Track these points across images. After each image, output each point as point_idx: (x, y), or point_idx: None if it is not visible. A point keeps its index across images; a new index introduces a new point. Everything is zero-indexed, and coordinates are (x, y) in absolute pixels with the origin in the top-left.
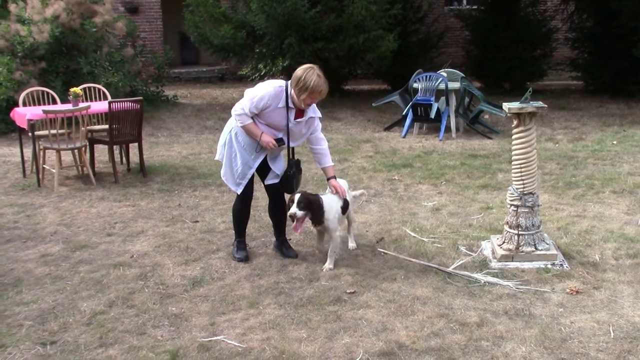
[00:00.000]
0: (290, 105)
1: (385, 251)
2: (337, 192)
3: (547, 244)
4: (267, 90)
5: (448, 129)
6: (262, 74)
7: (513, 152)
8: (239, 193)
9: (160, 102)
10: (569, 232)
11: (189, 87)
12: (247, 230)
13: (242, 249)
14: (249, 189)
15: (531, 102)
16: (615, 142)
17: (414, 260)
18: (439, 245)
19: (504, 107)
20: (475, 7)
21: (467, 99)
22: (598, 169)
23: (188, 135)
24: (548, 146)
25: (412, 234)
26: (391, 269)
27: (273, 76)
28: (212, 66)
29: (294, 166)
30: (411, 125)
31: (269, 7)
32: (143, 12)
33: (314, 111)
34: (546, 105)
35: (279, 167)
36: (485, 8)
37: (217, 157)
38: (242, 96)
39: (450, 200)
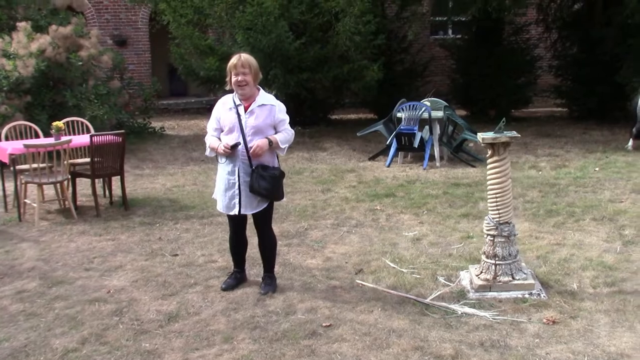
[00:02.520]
0: (237, 102)
1: (364, 283)
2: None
3: (525, 273)
4: (218, 102)
5: (432, 157)
6: None
7: (488, 182)
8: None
9: (147, 134)
10: (548, 261)
11: (177, 119)
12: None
13: (230, 277)
14: (238, 215)
15: (505, 132)
16: (597, 169)
17: (392, 291)
18: (418, 276)
19: (478, 137)
20: (459, 36)
21: (450, 128)
22: (579, 196)
23: (173, 167)
24: (531, 174)
25: (392, 264)
26: (369, 301)
27: None
28: (201, 97)
29: (279, 170)
30: (395, 155)
31: (254, 39)
32: (131, 44)
33: (265, 99)
34: (519, 135)
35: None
36: (470, 37)
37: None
38: None
39: (431, 230)
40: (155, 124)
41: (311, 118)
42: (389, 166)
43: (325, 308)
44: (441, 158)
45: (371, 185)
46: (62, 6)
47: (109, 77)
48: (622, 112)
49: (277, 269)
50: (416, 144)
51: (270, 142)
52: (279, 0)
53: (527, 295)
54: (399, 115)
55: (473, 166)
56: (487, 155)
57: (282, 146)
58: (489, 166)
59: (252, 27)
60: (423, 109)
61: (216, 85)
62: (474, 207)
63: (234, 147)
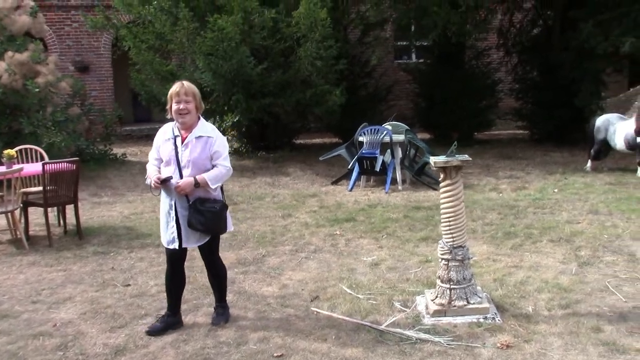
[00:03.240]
0: (176, 133)
1: (319, 310)
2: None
3: (480, 297)
4: (159, 131)
5: (394, 181)
6: None
7: (441, 206)
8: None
9: (108, 161)
10: (505, 284)
11: (140, 145)
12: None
13: (159, 319)
14: (178, 249)
15: (457, 155)
16: (556, 190)
17: (347, 318)
18: (374, 302)
19: (430, 162)
20: (422, 60)
21: (412, 151)
22: (538, 217)
23: (133, 194)
24: (491, 196)
25: (349, 290)
26: (323, 329)
27: (223, 132)
28: (165, 122)
29: (220, 204)
30: (358, 179)
31: (216, 64)
32: (94, 70)
33: (203, 130)
34: (471, 159)
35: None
36: (432, 61)
37: None
38: None
39: (390, 254)
40: (118, 150)
41: (275, 143)
42: (351, 190)
43: (278, 337)
44: (403, 181)
45: (332, 210)
46: (19, 32)
47: (68, 104)
48: (581, 134)
49: (230, 297)
50: (378, 167)
51: (196, 182)
52: (240, 26)
53: (482, 320)
54: (360, 139)
55: (435, 189)
56: (440, 179)
57: (213, 185)
58: (442, 190)
59: (213, 53)
60: (384, 133)
61: None
62: (433, 230)
63: (165, 181)
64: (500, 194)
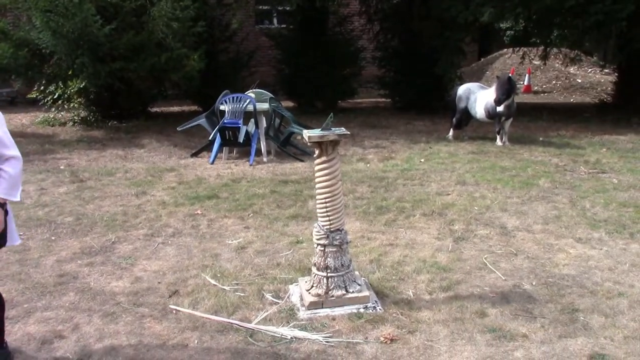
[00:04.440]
0: None
1: (179, 308)
2: None
3: (359, 284)
4: None
5: (259, 152)
6: (55, 97)
7: (317, 186)
8: None
9: None
10: (382, 265)
11: None
12: None
13: None
14: None
15: (333, 129)
16: (422, 160)
17: (212, 317)
18: (242, 294)
19: (304, 136)
20: (284, 26)
21: (277, 121)
22: (408, 189)
23: None
24: (360, 167)
25: (212, 281)
26: (183, 332)
27: (68, 99)
28: (1, 89)
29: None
30: (220, 150)
31: (56, 22)
32: None
33: None
34: (349, 132)
35: None
36: (295, 27)
37: None
38: (33, 121)
39: (257, 236)
40: None
41: (129, 111)
42: (212, 163)
43: (129, 347)
44: (268, 153)
45: (192, 186)
46: None
47: None
48: (441, 102)
49: (72, 297)
50: (241, 138)
51: None
52: None
53: (362, 310)
54: (222, 107)
55: (302, 160)
56: (315, 156)
57: (13, 197)
58: (316, 167)
59: (52, 9)
60: (247, 101)
61: (12, 75)
62: (303, 206)
63: None
64: (368, 165)
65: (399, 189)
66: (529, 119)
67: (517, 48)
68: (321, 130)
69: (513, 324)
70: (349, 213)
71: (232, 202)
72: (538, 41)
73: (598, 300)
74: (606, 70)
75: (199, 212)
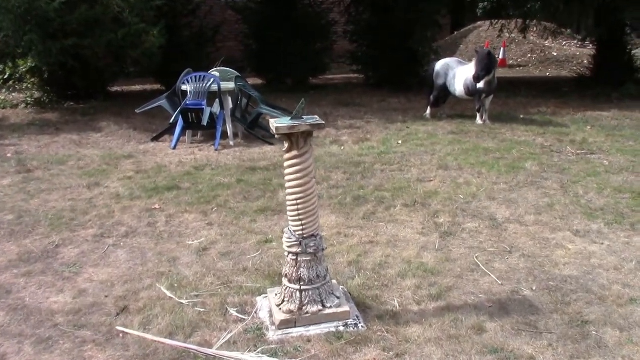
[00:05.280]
0: None
1: (127, 330)
2: None
3: (338, 296)
4: None
5: (225, 135)
6: (5, 77)
7: (286, 185)
8: None
9: None
10: (362, 268)
11: None
12: None
13: None
14: None
15: (305, 118)
16: (400, 142)
17: (165, 341)
18: (203, 309)
19: (271, 127)
20: None
21: (244, 101)
22: (387, 176)
23: None
24: (333, 150)
25: (169, 293)
26: None
27: (20, 79)
28: None
29: None
30: (182, 134)
31: None
32: None
33: None
34: (324, 122)
35: None
36: (263, 0)
37: None
38: None
39: (221, 234)
40: None
41: (86, 91)
42: (174, 148)
43: None
44: (235, 135)
45: (151, 176)
46: None
47: None
48: (416, 78)
49: (2, 319)
50: (205, 121)
51: None
52: None
53: (342, 328)
54: (184, 88)
55: (271, 144)
56: (284, 149)
57: None
58: (286, 164)
59: None
60: (211, 81)
61: None
62: (272, 197)
63: None
64: (343, 148)
65: (377, 175)
66: (507, 95)
67: (495, 21)
68: (291, 119)
69: (516, 341)
70: (323, 205)
71: (194, 194)
72: (511, 13)
73: (609, 309)
74: (583, 43)
75: (156, 206)
